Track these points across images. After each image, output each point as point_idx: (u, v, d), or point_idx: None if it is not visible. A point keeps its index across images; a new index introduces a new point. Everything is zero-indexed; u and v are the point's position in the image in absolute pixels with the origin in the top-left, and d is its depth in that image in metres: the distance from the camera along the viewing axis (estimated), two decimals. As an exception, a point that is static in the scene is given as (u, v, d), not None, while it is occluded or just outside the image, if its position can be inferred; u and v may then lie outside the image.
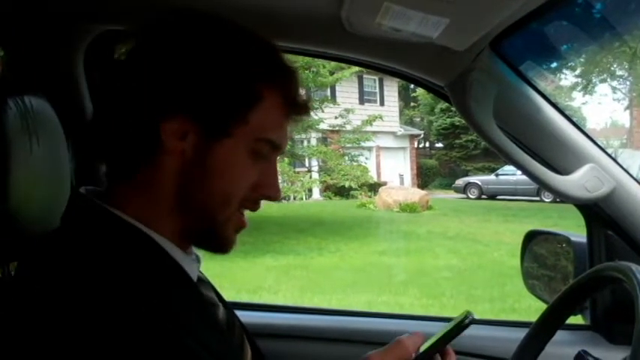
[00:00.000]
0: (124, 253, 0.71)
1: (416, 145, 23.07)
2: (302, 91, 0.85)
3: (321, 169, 15.25)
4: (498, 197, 17.18)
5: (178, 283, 0.76)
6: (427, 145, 25.59)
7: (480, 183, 18.18)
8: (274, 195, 0.83)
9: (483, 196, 17.62)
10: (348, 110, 14.91)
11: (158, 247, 0.75)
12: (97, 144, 0.81)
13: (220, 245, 0.81)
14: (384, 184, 17.43)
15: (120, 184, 0.78)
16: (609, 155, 1.29)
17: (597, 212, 1.32)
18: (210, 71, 0.75)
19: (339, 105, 14.90)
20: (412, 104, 25.61)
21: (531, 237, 1.55)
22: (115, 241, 0.73)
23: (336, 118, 14.89)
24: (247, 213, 0.83)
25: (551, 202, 13.55)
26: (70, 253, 0.70)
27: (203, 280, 0.88)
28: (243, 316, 1.00)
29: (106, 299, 0.64)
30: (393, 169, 20.49)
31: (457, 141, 22.21)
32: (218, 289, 0.92)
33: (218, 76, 0.75)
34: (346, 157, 15.04)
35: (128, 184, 0.77)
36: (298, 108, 0.84)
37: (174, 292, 0.72)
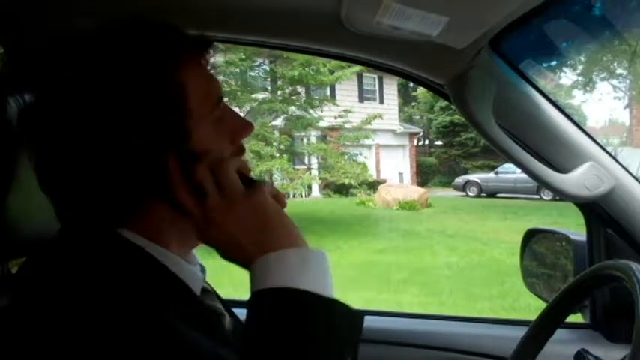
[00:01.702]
0: (119, 267, 0.69)
1: (415, 143, 23.07)
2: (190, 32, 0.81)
3: (320, 167, 15.26)
4: (498, 195, 17.19)
5: (176, 296, 0.73)
6: (427, 143, 25.59)
7: (479, 181, 18.19)
8: (247, 129, 0.82)
9: (483, 194, 17.63)
10: (347, 111, 14.91)
11: (156, 261, 0.73)
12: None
13: None
14: (384, 182, 17.43)
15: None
16: (609, 154, 1.29)
17: (597, 211, 1.33)
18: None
19: (338, 105, 14.90)
20: (413, 103, 25.60)
21: (531, 235, 1.56)
22: (110, 254, 0.71)
23: (335, 118, 14.89)
24: None
25: (550, 200, 13.56)
26: (63, 265, 0.69)
27: (208, 290, 0.86)
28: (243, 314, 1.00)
29: (95, 313, 0.62)
30: (393, 167, 20.49)
31: (457, 139, 22.23)
32: (222, 296, 0.91)
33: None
34: (345, 156, 15.05)
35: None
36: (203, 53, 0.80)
37: (171, 305, 0.69)
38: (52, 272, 0.69)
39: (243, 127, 0.82)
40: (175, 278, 0.75)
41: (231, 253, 0.71)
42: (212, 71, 0.81)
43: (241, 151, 0.81)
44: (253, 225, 0.69)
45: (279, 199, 0.74)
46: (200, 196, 0.70)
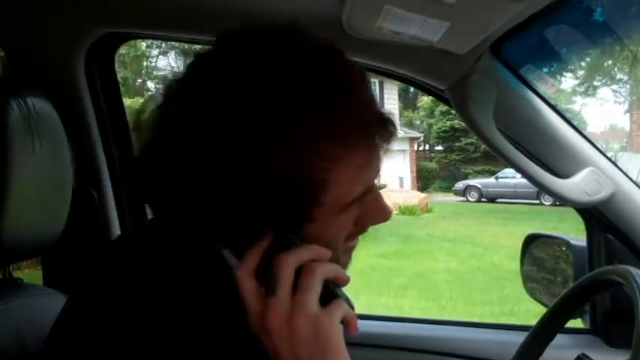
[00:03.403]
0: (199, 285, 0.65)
1: (416, 148, 23.05)
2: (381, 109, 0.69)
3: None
4: (498, 200, 17.17)
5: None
6: (427, 147, 25.57)
7: (479, 186, 18.17)
8: (383, 221, 0.74)
9: (483, 199, 17.62)
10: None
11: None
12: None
13: None
14: (384, 186, 17.41)
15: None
16: (609, 159, 1.29)
17: (597, 216, 1.33)
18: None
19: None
20: (418, 105, 25.56)
21: (531, 240, 1.55)
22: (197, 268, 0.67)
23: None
24: None
25: (550, 205, 13.54)
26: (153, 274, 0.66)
27: None
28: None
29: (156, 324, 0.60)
30: (393, 171, 20.47)
31: (457, 144, 22.21)
32: None
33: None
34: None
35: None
36: (382, 134, 0.69)
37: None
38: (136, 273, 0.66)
39: (379, 217, 0.74)
40: None
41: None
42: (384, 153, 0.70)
43: (362, 232, 0.74)
44: (307, 351, 0.60)
45: (350, 324, 0.64)
46: (267, 286, 0.62)
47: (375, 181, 0.74)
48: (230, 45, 0.69)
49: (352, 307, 0.65)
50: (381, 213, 0.74)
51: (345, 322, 0.64)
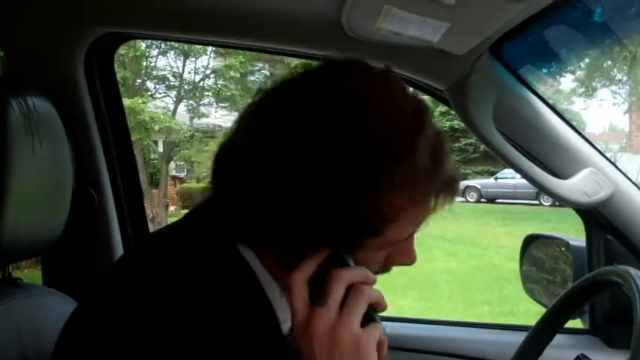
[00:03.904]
0: (214, 273, 0.68)
1: (415, 148, 23.02)
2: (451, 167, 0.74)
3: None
4: (497, 201, 17.16)
5: (258, 322, 0.70)
6: (426, 148, 25.56)
7: (479, 186, 18.16)
8: (409, 264, 0.78)
9: (482, 200, 17.60)
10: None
11: (255, 279, 0.71)
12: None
13: None
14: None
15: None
16: (608, 159, 1.30)
17: (596, 216, 1.33)
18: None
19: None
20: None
21: (530, 241, 1.55)
22: (214, 260, 0.69)
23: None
24: None
25: (550, 205, 13.53)
26: (166, 260, 0.68)
27: None
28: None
29: (177, 333, 0.62)
30: (393, 172, 20.45)
31: (456, 144, 22.15)
32: None
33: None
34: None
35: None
36: (449, 191, 0.74)
37: (254, 339, 0.67)
38: (154, 265, 0.68)
39: (407, 260, 0.78)
40: (267, 303, 0.72)
41: None
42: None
43: (386, 271, 0.78)
44: None
45: (381, 346, 0.68)
46: (315, 298, 0.66)
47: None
48: (333, 73, 0.73)
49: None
50: (409, 257, 0.78)
51: (378, 346, 0.67)
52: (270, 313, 0.72)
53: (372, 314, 0.68)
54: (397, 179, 0.65)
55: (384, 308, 0.70)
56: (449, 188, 0.73)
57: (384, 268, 0.77)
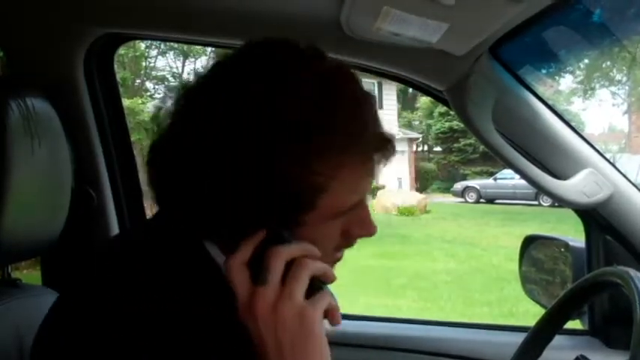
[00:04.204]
0: (179, 267, 0.69)
1: (414, 149, 23.06)
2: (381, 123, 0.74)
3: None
4: (497, 201, 17.16)
5: (219, 307, 0.69)
6: (426, 148, 25.57)
7: (478, 187, 18.15)
8: (369, 235, 0.77)
9: (482, 200, 17.60)
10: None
11: (219, 272, 0.71)
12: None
13: None
14: (383, 187, 17.42)
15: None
16: (608, 160, 1.30)
17: (595, 217, 1.33)
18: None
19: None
20: (417, 106, 25.57)
21: (530, 241, 1.55)
22: (179, 255, 0.70)
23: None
24: None
25: (549, 206, 13.55)
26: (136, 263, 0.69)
27: None
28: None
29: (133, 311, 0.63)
30: (392, 172, 20.48)
31: (456, 145, 22.21)
32: None
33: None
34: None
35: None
36: (382, 152, 0.73)
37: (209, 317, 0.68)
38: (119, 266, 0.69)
39: (366, 230, 0.76)
40: (232, 294, 0.71)
41: (255, 346, 0.66)
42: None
43: (349, 245, 0.77)
44: (290, 337, 0.64)
45: (333, 315, 0.68)
46: (256, 278, 0.66)
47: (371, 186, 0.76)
48: (250, 55, 0.72)
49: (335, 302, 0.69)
50: (367, 226, 0.76)
51: (328, 314, 0.67)
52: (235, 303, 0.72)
53: (317, 284, 0.68)
54: (314, 148, 0.65)
55: (331, 280, 0.70)
56: (382, 149, 0.73)
57: (346, 243, 0.77)
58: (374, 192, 16.21)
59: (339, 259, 0.78)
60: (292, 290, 0.65)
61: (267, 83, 0.66)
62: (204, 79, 0.71)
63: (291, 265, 0.66)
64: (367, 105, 0.72)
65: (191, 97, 0.71)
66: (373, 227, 0.77)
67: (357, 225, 0.75)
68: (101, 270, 0.71)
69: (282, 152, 0.64)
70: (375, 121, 0.72)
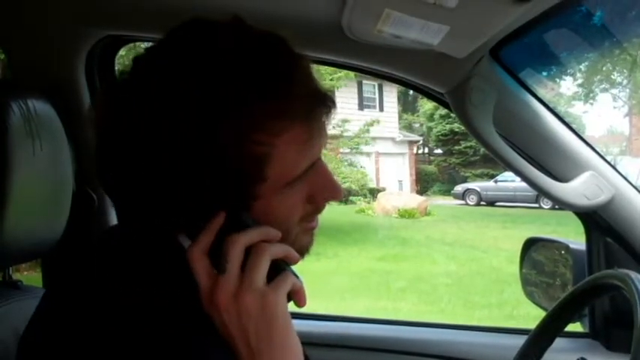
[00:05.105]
0: (159, 268, 0.69)
1: (415, 151, 23.06)
2: (318, 81, 0.73)
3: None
4: (497, 204, 17.16)
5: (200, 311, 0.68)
6: (426, 151, 25.58)
7: (478, 189, 18.16)
8: (335, 196, 0.75)
9: (482, 203, 17.60)
10: (345, 121, 14.93)
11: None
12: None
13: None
14: (383, 189, 17.42)
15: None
16: (608, 163, 1.30)
17: (596, 220, 1.33)
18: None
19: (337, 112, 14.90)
20: (417, 108, 25.58)
21: (530, 244, 1.55)
22: (157, 254, 0.70)
23: (333, 127, 14.90)
24: None
25: (550, 209, 13.54)
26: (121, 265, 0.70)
27: None
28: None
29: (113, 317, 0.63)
30: (392, 174, 20.48)
31: (456, 147, 22.22)
32: None
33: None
34: (346, 162, 15.05)
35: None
36: (322, 109, 0.72)
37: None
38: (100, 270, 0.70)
39: (331, 193, 0.75)
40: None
41: (223, 338, 0.65)
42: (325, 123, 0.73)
43: (318, 212, 0.76)
44: (253, 325, 0.63)
45: (298, 296, 0.67)
46: (218, 266, 0.65)
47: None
48: (177, 35, 0.72)
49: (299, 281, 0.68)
50: (331, 189, 0.75)
51: (293, 296, 0.66)
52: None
53: (281, 266, 0.67)
54: (248, 119, 0.64)
55: (295, 260, 0.69)
56: (320, 106, 0.72)
57: (314, 210, 0.75)
58: (374, 194, 16.23)
59: (313, 228, 0.77)
60: (252, 277, 0.64)
61: (188, 63, 0.66)
62: (127, 76, 0.71)
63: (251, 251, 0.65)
64: (298, 66, 0.71)
65: (119, 95, 0.69)
66: (337, 189, 0.75)
67: (320, 190, 0.74)
68: (83, 269, 0.73)
69: (217, 129, 0.63)
70: (309, 80, 0.71)
